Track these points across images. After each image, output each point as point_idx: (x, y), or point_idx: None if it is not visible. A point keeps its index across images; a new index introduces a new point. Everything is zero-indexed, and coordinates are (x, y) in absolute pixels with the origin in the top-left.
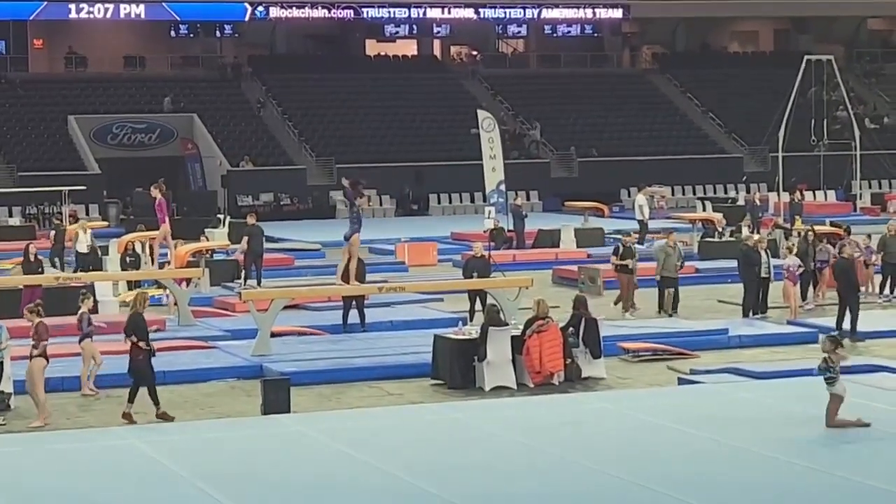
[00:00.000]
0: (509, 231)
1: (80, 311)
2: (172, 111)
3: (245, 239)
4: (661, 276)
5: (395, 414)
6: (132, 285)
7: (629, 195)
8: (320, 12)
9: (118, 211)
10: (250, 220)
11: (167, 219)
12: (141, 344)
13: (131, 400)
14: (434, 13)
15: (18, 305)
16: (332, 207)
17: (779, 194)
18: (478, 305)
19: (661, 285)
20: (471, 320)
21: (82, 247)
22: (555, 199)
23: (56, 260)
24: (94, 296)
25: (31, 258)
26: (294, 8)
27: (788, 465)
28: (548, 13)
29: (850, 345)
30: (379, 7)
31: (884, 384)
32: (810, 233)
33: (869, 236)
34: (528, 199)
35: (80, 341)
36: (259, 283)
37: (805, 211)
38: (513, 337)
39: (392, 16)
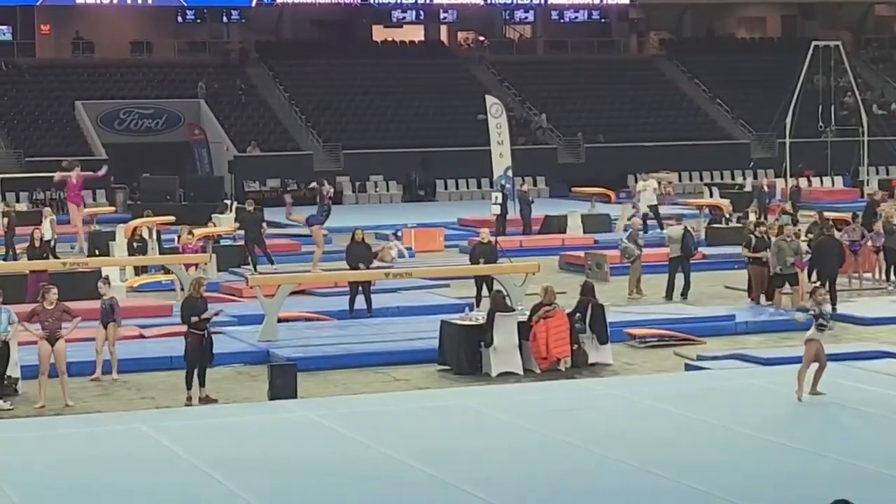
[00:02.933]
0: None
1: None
2: (206, 96)
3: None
4: (774, 272)
5: (402, 399)
6: (139, 270)
7: (636, 181)
8: None
9: (125, 196)
10: (248, 206)
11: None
12: (193, 328)
13: (201, 384)
14: None
15: (24, 291)
16: (339, 193)
17: (786, 180)
18: (484, 291)
19: (773, 282)
20: (477, 306)
21: (47, 235)
22: (562, 185)
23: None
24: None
25: (37, 244)
26: None
27: (793, 451)
28: None
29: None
30: None
31: (890, 370)
32: (823, 219)
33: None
34: (534, 184)
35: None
36: (271, 263)
37: (812, 197)
38: (519, 323)
39: (399, 1)
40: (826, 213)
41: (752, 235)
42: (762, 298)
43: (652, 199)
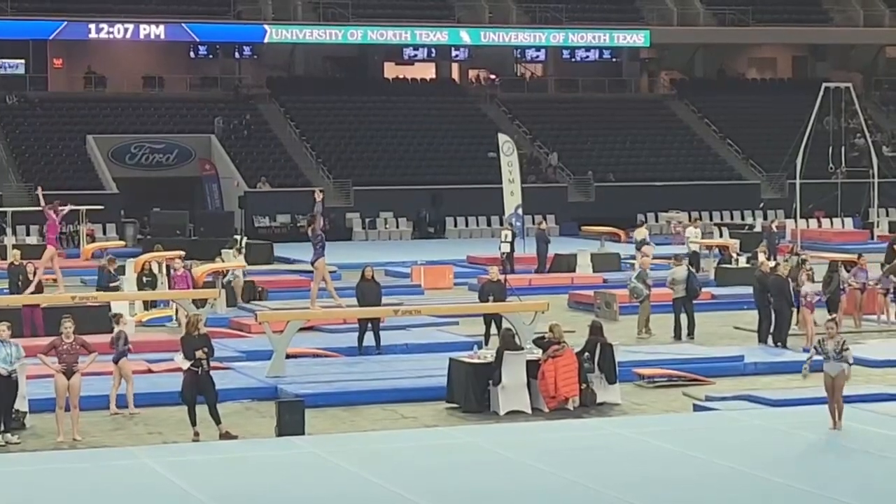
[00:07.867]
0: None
1: (116, 330)
2: (222, 132)
3: None
4: None
5: (410, 437)
6: (148, 305)
7: (646, 220)
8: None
9: (135, 231)
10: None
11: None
12: (183, 365)
13: (217, 420)
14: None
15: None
16: (349, 230)
17: (796, 221)
18: (493, 329)
19: None
20: (486, 344)
21: None
22: (572, 224)
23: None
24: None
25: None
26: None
27: (801, 493)
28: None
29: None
30: (397, 30)
31: None
32: (835, 261)
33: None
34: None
35: (115, 360)
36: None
37: (822, 238)
38: (528, 361)
39: (410, 39)
40: (836, 255)
41: None
42: (770, 339)
43: (696, 246)
